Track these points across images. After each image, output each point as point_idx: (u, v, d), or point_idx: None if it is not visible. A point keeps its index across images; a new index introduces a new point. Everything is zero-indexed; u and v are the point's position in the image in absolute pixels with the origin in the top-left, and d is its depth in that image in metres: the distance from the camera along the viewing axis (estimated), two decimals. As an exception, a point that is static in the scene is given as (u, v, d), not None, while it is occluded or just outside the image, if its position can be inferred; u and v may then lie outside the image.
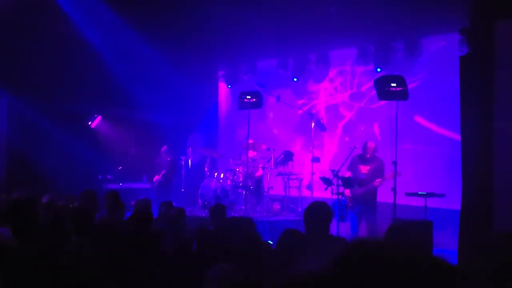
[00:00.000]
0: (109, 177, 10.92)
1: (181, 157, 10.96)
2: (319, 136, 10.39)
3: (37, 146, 10.41)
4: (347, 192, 7.71)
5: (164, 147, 10.98)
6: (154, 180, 10.87)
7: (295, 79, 11.10)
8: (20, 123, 10.65)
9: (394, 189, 6.80)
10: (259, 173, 9.70)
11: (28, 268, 3.24)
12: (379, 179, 7.56)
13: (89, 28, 9.70)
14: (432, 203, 7.22)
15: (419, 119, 9.23)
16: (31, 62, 9.95)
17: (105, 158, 11.06)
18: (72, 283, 3.38)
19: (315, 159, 9.77)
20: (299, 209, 9.28)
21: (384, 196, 7.60)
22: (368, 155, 7.79)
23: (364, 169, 7.75)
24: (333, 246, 3.77)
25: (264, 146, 10.00)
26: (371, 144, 7.84)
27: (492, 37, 5.77)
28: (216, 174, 10.05)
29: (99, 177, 10.76)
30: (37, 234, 4.18)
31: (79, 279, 3.39)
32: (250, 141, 9.39)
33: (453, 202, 7.08)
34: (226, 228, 4.18)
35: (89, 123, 11.58)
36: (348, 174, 7.83)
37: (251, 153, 9.62)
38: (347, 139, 10.34)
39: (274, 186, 9.86)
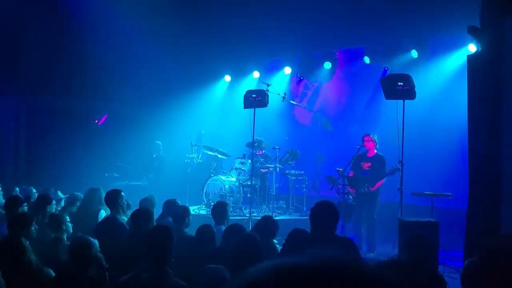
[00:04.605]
0: (115, 174, 10.92)
1: (187, 155, 10.89)
2: (325, 135, 10.34)
3: (45, 144, 10.45)
4: (353, 191, 7.68)
5: (151, 144, 10.70)
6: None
7: (301, 78, 11.05)
8: (29, 121, 10.70)
9: (400, 189, 6.76)
10: (264, 169, 9.64)
11: (22, 263, 3.23)
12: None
13: (98, 28, 9.72)
14: (439, 203, 7.17)
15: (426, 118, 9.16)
16: (40, 61, 10.00)
17: (112, 156, 11.06)
18: (72, 280, 3.38)
19: (321, 158, 9.72)
20: (305, 208, 9.25)
21: (390, 195, 7.55)
22: (368, 152, 7.77)
23: (366, 165, 7.74)
24: (340, 246, 3.74)
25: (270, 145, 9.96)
26: (367, 137, 7.80)
27: (501, 36, 5.70)
28: (221, 172, 10.03)
29: (106, 174, 10.77)
30: (30, 230, 4.20)
31: (80, 276, 3.38)
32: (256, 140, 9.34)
33: (460, 202, 7.02)
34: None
35: (96, 121, 11.60)
36: (351, 173, 7.80)
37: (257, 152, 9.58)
38: (353, 138, 10.27)
39: (280, 185, 9.83)
